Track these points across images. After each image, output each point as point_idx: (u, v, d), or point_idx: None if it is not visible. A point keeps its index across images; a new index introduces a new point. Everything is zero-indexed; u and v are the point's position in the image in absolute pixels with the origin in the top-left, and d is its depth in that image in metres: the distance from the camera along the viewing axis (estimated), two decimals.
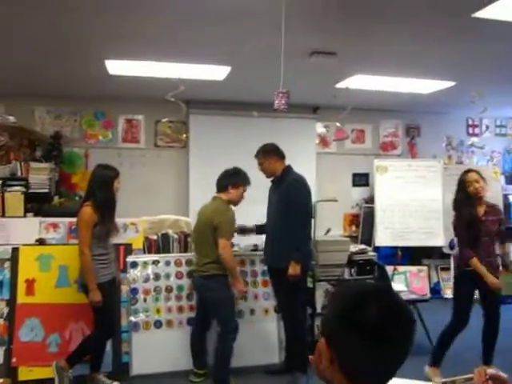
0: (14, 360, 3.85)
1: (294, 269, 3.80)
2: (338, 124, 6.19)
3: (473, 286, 3.97)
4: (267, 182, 4.22)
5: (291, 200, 3.91)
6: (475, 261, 3.85)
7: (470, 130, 8.12)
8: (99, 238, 3.64)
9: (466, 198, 3.94)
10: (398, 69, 5.05)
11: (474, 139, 7.95)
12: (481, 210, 3.93)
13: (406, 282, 6.78)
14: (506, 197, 7.31)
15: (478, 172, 3.99)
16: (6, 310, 3.97)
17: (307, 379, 3.80)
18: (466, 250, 3.93)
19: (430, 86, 5.80)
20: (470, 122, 8.10)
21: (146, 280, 4.18)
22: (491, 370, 1.79)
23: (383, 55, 4.59)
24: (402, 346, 1.12)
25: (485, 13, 3.36)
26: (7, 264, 4.03)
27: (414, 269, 6.90)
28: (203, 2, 3.37)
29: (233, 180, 3.92)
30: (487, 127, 8.19)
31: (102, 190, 3.66)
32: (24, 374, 3.80)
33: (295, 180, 4.04)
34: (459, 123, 7.96)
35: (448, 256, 6.90)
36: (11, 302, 3.97)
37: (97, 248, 3.63)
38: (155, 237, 4.46)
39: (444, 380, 1.98)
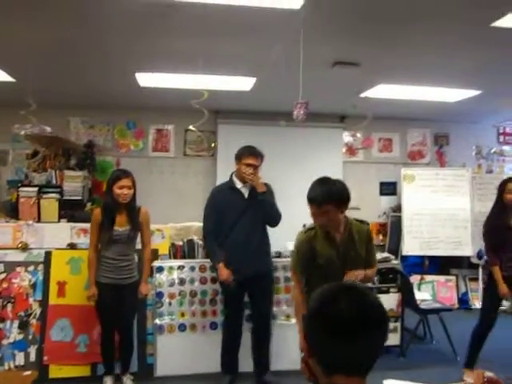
0: (45, 358, 4.03)
1: None
2: (358, 135, 6.21)
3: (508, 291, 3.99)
4: None
5: (272, 199, 4.03)
6: (496, 269, 3.97)
7: (501, 139, 8.01)
8: (103, 242, 3.77)
9: (501, 205, 4.06)
10: (421, 78, 5.07)
11: (506, 148, 7.86)
12: None
13: (434, 291, 6.72)
14: None
15: None
16: (38, 311, 4.15)
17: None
18: (491, 255, 4.06)
19: (455, 94, 5.78)
20: (501, 131, 7.98)
21: (172, 284, 4.30)
22: (489, 374, 1.84)
23: (406, 65, 4.63)
24: (371, 340, 1.21)
25: (503, 22, 3.38)
26: (41, 267, 4.23)
27: (441, 278, 6.84)
28: (228, 18, 3.51)
29: None
30: None
31: (105, 194, 3.82)
32: (54, 371, 3.97)
33: (268, 184, 4.04)
34: (488, 132, 7.86)
35: (476, 266, 6.81)
36: (44, 303, 4.16)
37: (103, 250, 3.78)
38: (181, 243, 4.58)
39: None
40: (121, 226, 3.75)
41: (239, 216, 3.90)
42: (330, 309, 1.23)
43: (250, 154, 3.90)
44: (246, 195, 3.97)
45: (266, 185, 4.00)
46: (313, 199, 2.75)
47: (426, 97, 5.90)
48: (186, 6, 3.25)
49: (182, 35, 3.92)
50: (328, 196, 2.72)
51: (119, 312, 3.82)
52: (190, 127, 4.59)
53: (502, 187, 4.09)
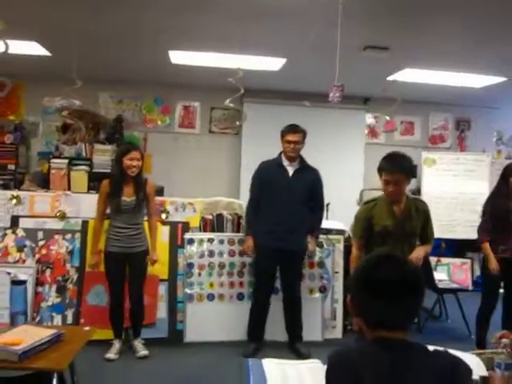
0: (81, 321, 4.27)
1: (314, 244, 4.31)
2: (387, 117, 6.31)
3: (499, 272, 4.11)
4: None
5: (320, 188, 4.26)
6: (485, 245, 4.12)
7: None
8: (112, 212, 3.97)
9: (505, 188, 4.13)
10: (447, 64, 5.15)
11: None
12: None
13: (449, 273, 6.86)
14: None
15: None
16: (75, 277, 4.38)
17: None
18: (482, 234, 4.19)
19: (481, 80, 5.84)
20: None
21: (201, 256, 4.50)
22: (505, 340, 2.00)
23: (434, 49, 4.71)
24: (406, 301, 1.38)
25: None
26: (78, 235, 4.44)
27: (457, 261, 6.95)
28: (259, 2, 3.61)
29: None
30: None
31: (114, 166, 4.04)
32: None
33: (317, 170, 4.28)
34: (510, 117, 7.89)
35: None
36: (80, 270, 4.39)
37: (113, 220, 3.98)
38: (210, 217, 4.76)
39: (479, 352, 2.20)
40: (128, 197, 3.94)
41: (281, 192, 4.09)
42: (373, 274, 1.42)
43: (289, 131, 4.11)
44: (291, 173, 4.17)
45: (314, 171, 4.25)
46: (389, 168, 3.19)
47: (452, 82, 5.97)
48: None
49: (217, 15, 4.04)
50: (402, 166, 3.22)
51: (130, 280, 4.00)
52: (226, 102, 4.72)
53: (507, 170, 4.17)
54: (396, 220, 3.30)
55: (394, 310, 1.37)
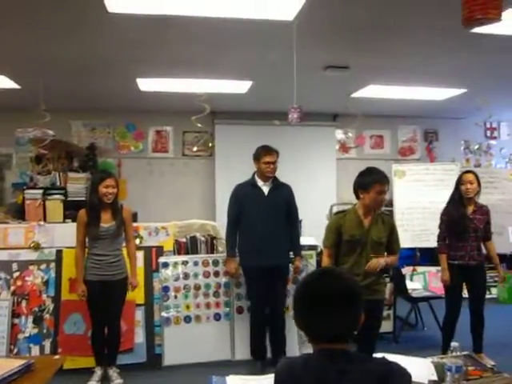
0: (59, 350, 4.27)
1: (301, 261, 4.40)
2: (350, 134, 6.48)
3: (458, 278, 4.26)
4: None
5: (294, 203, 4.41)
6: (442, 257, 4.32)
7: (488, 133, 8.29)
8: (91, 239, 4.01)
9: (457, 196, 4.30)
10: (409, 78, 5.34)
11: (492, 142, 8.14)
12: (470, 208, 4.27)
13: (425, 281, 7.00)
14: None
15: (475, 174, 4.28)
16: (51, 306, 4.39)
17: None
18: (439, 244, 4.37)
19: (443, 93, 6.05)
20: (488, 126, 8.26)
21: (177, 279, 4.55)
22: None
23: (394, 67, 4.89)
24: (341, 313, 1.46)
25: (483, 28, 3.62)
26: (52, 265, 4.47)
27: (432, 269, 7.10)
28: (225, 29, 3.76)
29: None
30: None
31: (89, 194, 4.10)
32: (68, 363, 4.15)
33: (289, 186, 4.44)
34: (476, 127, 8.13)
35: None
36: (56, 299, 4.40)
37: (92, 248, 4.01)
38: (184, 239, 4.83)
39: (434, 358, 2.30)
40: (106, 223, 3.98)
41: (260, 211, 4.22)
42: (310, 289, 1.51)
43: (266, 153, 4.24)
44: (267, 193, 4.29)
45: (287, 187, 4.40)
46: (383, 180, 3.42)
47: (415, 95, 6.18)
48: (184, 19, 3.48)
49: (181, 44, 4.16)
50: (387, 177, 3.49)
51: (109, 307, 4.02)
52: (192, 118, 4.84)
53: (459, 179, 4.34)
54: (363, 230, 3.47)
55: (331, 323, 1.45)
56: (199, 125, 4.91)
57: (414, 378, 1.97)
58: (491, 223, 4.40)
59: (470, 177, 4.25)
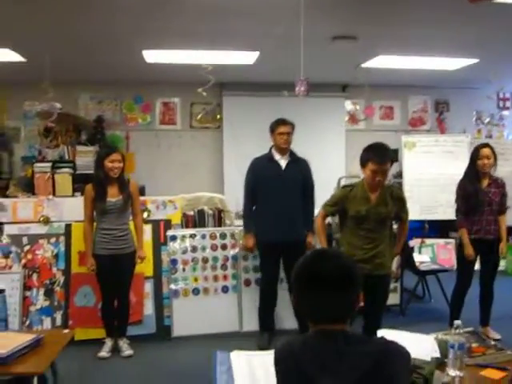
0: (70, 322, 4.36)
1: (313, 237, 4.28)
2: (357, 107, 6.39)
3: (473, 252, 4.23)
4: None
5: (311, 178, 4.37)
6: (463, 231, 4.25)
7: (501, 104, 8.12)
8: (98, 214, 4.03)
9: (473, 170, 4.25)
10: (419, 48, 5.22)
11: (505, 113, 7.99)
12: (485, 182, 4.23)
13: (434, 253, 6.99)
14: None
15: (492, 148, 4.21)
16: (62, 279, 4.47)
17: None
18: (459, 218, 4.31)
19: (454, 62, 5.93)
20: (501, 96, 8.09)
21: (184, 252, 4.59)
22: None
23: (403, 36, 4.77)
24: (339, 294, 1.45)
25: None
26: (62, 238, 4.52)
27: (441, 241, 7.09)
28: (227, 1, 3.67)
29: None
30: None
31: (95, 169, 4.08)
32: (80, 334, 4.27)
33: (307, 161, 4.41)
34: (489, 96, 7.97)
35: None
36: (66, 272, 4.47)
37: (100, 222, 4.04)
38: (192, 213, 4.85)
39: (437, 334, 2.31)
40: (113, 197, 4.00)
41: (277, 185, 4.20)
42: (308, 270, 1.50)
43: (280, 124, 4.22)
44: (284, 166, 4.26)
45: (305, 162, 4.37)
46: (379, 159, 3.32)
47: (426, 65, 6.04)
48: None
49: (188, 14, 4.08)
50: (389, 156, 3.40)
51: (118, 281, 4.08)
52: (199, 90, 4.79)
53: (475, 153, 4.27)
54: (370, 206, 3.45)
55: (329, 305, 1.45)
56: (204, 94, 4.84)
57: (416, 355, 2.00)
58: (507, 196, 4.36)
59: (487, 151, 4.19)
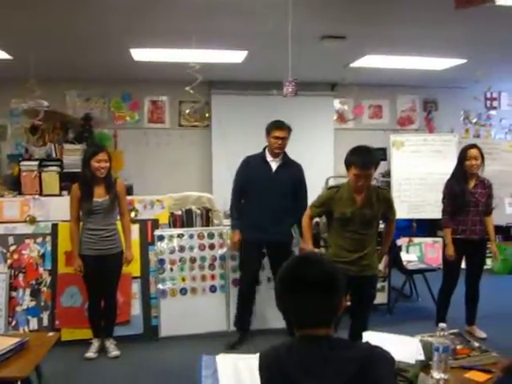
0: (57, 323, 4.33)
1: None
2: (346, 107, 6.40)
3: (459, 252, 4.27)
4: None
5: (303, 182, 4.35)
6: (447, 231, 4.31)
7: (488, 103, 8.17)
8: (85, 214, 3.99)
9: (461, 171, 4.27)
10: (407, 48, 5.24)
11: (492, 112, 8.05)
12: (472, 182, 4.26)
13: (422, 252, 7.04)
14: None
15: (479, 149, 4.24)
16: (48, 279, 4.43)
17: None
18: (444, 219, 4.34)
19: (442, 62, 5.95)
20: (488, 96, 8.14)
21: (172, 252, 4.57)
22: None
23: (392, 37, 4.79)
24: (322, 298, 1.45)
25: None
26: (48, 238, 4.48)
27: (429, 240, 7.14)
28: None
29: None
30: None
31: (82, 168, 4.03)
32: (66, 334, 4.25)
33: (300, 165, 4.39)
34: (477, 96, 8.02)
35: None
36: (53, 272, 4.43)
37: (86, 222, 4.00)
38: (180, 212, 4.83)
39: (423, 335, 2.32)
40: (100, 197, 3.97)
41: (264, 186, 4.20)
42: (291, 274, 1.51)
43: (276, 128, 4.18)
44: (274, 168, 4.25)
45: (297, 166, 4.34)
46: (362, 164, 3.28)
47: (414, 65, 6.07)
48: None
49: (176, 13, 4.07)
50: (373, 161, 3.36)
51: (105, 281, 4.05)
52: (186, 88, 4.77)
53: (463, 154, 4.29)
54: (355, 208, 3.43)
55: (312, 309, 1.45)
56: (191, 91, 4.82)
57: (401, 358, 2.01)
58: (493, 197, 4.39)
59: (475, 152, 4.22)
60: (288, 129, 4.25)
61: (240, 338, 4.34)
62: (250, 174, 4.28)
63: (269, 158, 4.27)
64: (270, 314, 4.54)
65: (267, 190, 4.19)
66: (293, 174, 4.29)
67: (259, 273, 4.45)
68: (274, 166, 4.26)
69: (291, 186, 4.25)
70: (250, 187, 4.28)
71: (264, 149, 4.34)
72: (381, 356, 1.44)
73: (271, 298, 4.29)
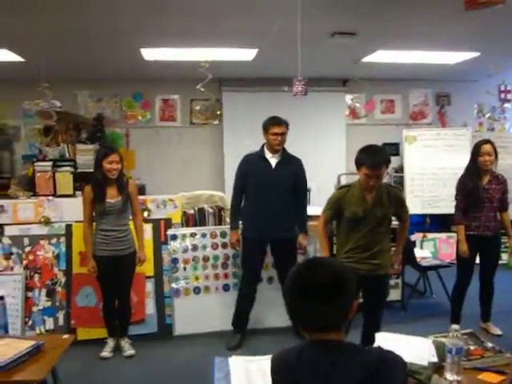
0: (72, 322, 4.38)
1: (306, 239, 4.29)
2: (357, 105, 6.36)
3: (472, 248, 4.22)
4: None
5: (303, 177, 4.32)
6: (460, 227, 4.25)
7: (503, 96, 8.08)
8: (98, 215, 4.02)
9: (474, 167, 4.22)
10: (419, 43, 5.19)
11: (507, 105, 7.96)
12: (485, 178, 4.21)
13: (435, 248, 7.00)
14: None
15: (493, 145, 4.19)
16: (63, 280, 4.48)
17: None
18: (457, 215, 4.28)
19: (455, 56, 5.89)
20: (503, 88, 8.05)
21: (185, 251, 4.59)
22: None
23: (403, 32, 4.74)
24: (332, 302, 1.44)
25: None
26: (63, 239, 4.53)
27: (443, 235, 7.09)
28: None
29: None
30: None
31: (94, 170, 4.05)
32: (82, 334, 4.31)
33: (300, 160, 4.35)
34: (490, 90, 7.93)
35: None
36: (68, 272, 4.48)
37: (99, 223, 4.03)
38: (192, 211, 4.84)
39: (436, 336, 2.31)
40: (112, 198, 3.98)
41: (265, 183, 4.18)
42: (301, 278, 1.49)
43: (274, 124, 4.15)
44: (274, 165, 4.24)
45: (297, 161, 4.31)
46: (373, 164, 3.24)
47: (426, 59, 6.01)
48: None
49: (186, 13, 4.07)
50: (384, 161, 3.29)
51: (119, 282, 4.08)
52: (197, 86, 4.77)
53: (476, 149, 4.23)
54: (366, 207, 3.39)
55: (322, 313, 1.44)
56: (202, 89, 4.83)
57: (414, 360, 2.01)
58: (508, 192, 4.34)
59: (489, 148, 4.16)
60: (285, 124, 4.21)
61: (240, 339, 4.34)
62: (250, 172, 4.26)
63: (268, 154, 4.24)
64: (268, 314, 4.53)
65: (268, 187, 4.18)
66: (293, 169, 4.26)
67: (261, 271, 4.44)
68: (273, 162, 4.23)
69: (292, 181, 4.24)
70: (250, 185, 4.26)
71: (262, 146, 4.31)
72: (392, 360, 1.44)
73: (270, 297, 4.33)
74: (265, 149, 4.28)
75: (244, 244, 4.35)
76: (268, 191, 4.18)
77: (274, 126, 4.15)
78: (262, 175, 4.22)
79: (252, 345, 4.30)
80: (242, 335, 4.37)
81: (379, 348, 1.51)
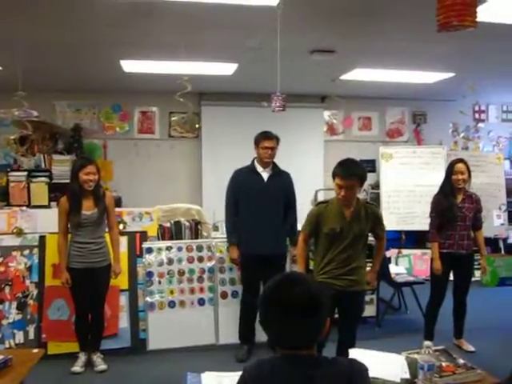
0: (43, 336, 4.28)
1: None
2: (335, 121, 6.45)
3: (446, 266, 4.28)
4: None
5: (293, 191, 4.39)
6: (434, 245, 4.33)
7: (477, 116, 8.28)
8: (73, 227, 3.97)
9: (448, 185, 4.29)
10: (396, 63, 5.29)
11: (480, 125, 8.14)
12: (459, 197, 4.27)
13: (410, 264, 7.07)
14: (509, 181, 7.50)
15: (466, 164, 4.28)
16: (35, 292, 4.38)
17: None
18: (431, 233, 4.36)
19: (431, 76, 6.01)
20: (477, 109, 8.25)
21: (161, 264, 4.55)
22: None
23: (380, 51, 4.83)
24: (304, 320, 1.43)
25: None
26: (35, 250, 4.44)
27: (418, 252, 7.17)
28: (209, 14, 3.69)
29: None
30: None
31: (70, 181, 4.01)
32: (53, 348, 4.22)
33: (289, 174, 4.43)
34: (464, 110, 8.11)
35: None
36: (40, 285, 4.38)
37: (75, 235, 3.97)
38: (168, 224, 4.81)
39: (409, 352, 2.32)
40: (88, 210, 3.94)
41: (259, 197, 4.22)
42: (274, 295, 1.48)
43: (265, 138, 4.22)
44: (266, 179, 4.28)
45: (287, 175, 4.39)
46: (342, 174, 3.28)
47: (403, 78, 6.12)
48: (168, 3, 3.41)
49: (166, 26, 4.08)
50: (355, 173, 3.30)
51: (92, 294, 4.02)
52: (176, 96, 4.75)
53: (450, 168, 4.32)
54: (344, 223, 3.40)
55: (296, 331, 1.43)
56: (181, 99, 4.81)
57: (387, 376, 2.02)
58: (482, 211, 4.42)
59: (462, 167, 4.25)
60: (276, 138, 4.29)
61: (248, 350, 4.34)
62: (243, 186, 4.29)
63: (259, 168, 4.30)
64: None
65: (262, 200, 4.23)
66: (284, 182, 4.35)
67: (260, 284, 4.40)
68: (265, 176, 4.29)
69: (284, 195, 4.32)
70: (244, 200, 4.29)
71: (253, 160, 4.36)
72: (362, 369, 1.47)
73: None
74: (255, 163, 4.33)
75: (243, 261, 4.37)
76: (263, 205, 4.23)
77: (265, 140, 4.22)
78: (256, 189, 4.27)
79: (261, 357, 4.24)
80: (249, 347, 4.36)
81: (346, 358, 1.52)
